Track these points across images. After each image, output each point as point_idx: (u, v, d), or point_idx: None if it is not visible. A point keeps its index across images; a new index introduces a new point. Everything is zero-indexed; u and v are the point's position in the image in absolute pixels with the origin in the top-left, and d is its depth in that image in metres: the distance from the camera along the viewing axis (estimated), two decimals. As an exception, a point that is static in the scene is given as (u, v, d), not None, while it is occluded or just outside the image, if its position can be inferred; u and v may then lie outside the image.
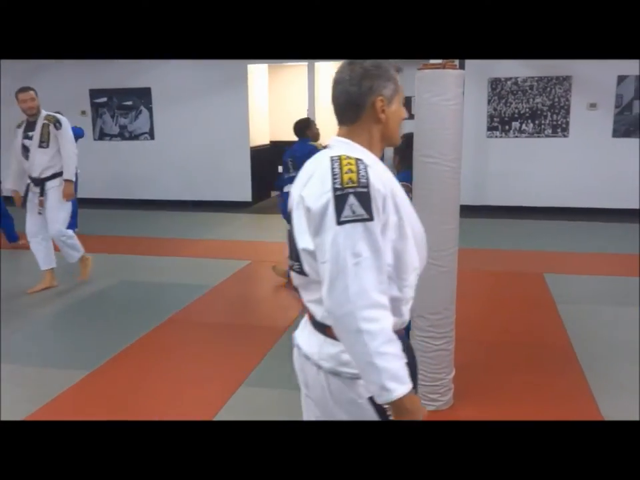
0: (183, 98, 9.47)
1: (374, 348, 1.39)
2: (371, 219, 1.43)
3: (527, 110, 8.63)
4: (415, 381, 1.56)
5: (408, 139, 3.39)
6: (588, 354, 3.84)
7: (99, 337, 4.31)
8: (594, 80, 8.36)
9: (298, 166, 4.02)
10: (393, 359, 1.41)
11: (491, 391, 3.43)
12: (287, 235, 1.65)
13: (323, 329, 1.58)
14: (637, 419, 3.02)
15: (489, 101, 8.70)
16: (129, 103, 9.80)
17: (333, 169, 1.47)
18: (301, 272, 1.59)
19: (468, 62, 8.24)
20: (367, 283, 1.41)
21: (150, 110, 9.71)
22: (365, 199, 1.43)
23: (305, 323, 1.71)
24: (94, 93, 9.90)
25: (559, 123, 8.58)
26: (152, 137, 9.80)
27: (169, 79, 9.44)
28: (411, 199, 3.16)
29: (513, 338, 4.19)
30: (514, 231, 7.52)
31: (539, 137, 8.66)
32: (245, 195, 9.57)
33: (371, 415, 1.56)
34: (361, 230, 1.42)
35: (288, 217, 1.63)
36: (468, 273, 5.77)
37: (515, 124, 8.69)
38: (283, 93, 10.73)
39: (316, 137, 5.21)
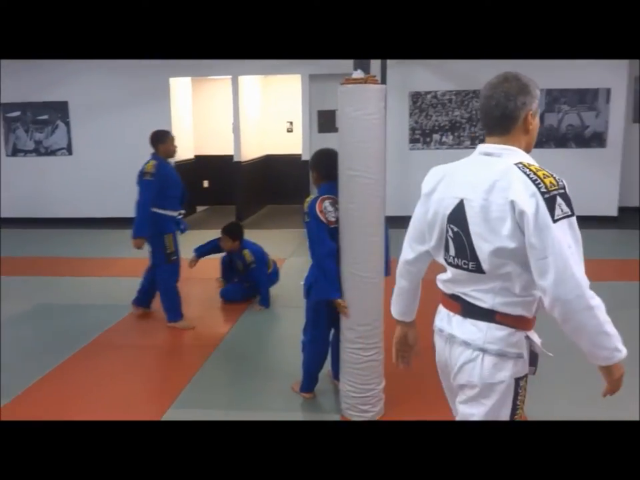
0: (103, 111, 9.20)
1: (603, 319, 1.65)
2: (573, 214, 1.65)
3: (447, 122, 8.90)
4: None
5: (322, 154, 3.43)
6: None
7: (14, 366, 4.08)
8: (508, 93, 8.72)
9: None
10: (613, 326, 1.68)
11: (421, 398, 3.48)
12: (452, 236, 1.83)
13: (491, 315, 1.77)
14: (561, 418, 3.12)
15: (411, 114, 8.92)
16: (45, 117, 9.42)
17: (528, 175, 1.67)
18: (477, 270, 1.76)
19: (390, 76, 8.42)
20: (581, 269, 1.65)
21: (67, 124, 9.37)
22: (566, 198, 1.65)
23: (449, 315, 1.89)
24: (6, 107, 9.47)
25: (477, 134, 8.90)
26: (70, 152, 9.45)
27: (88, 92, 9.15)
28: (336, 210, 3.22)
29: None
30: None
31: (458, 148, 8.94)
32: (170, 210, 9.37)
33: (510, 394, 1.79)
34: (567, 225, 1.64)
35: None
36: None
37: (436, 136, 8.95)
38: (207, 107, 10.63)
39: (169, 153, 4.68)
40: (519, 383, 1.80)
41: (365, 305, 3.18)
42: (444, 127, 8.91)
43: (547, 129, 8.82)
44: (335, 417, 3.34)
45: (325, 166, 3.33)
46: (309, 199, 3.31)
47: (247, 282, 5.33)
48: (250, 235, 5.48)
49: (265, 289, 5.24)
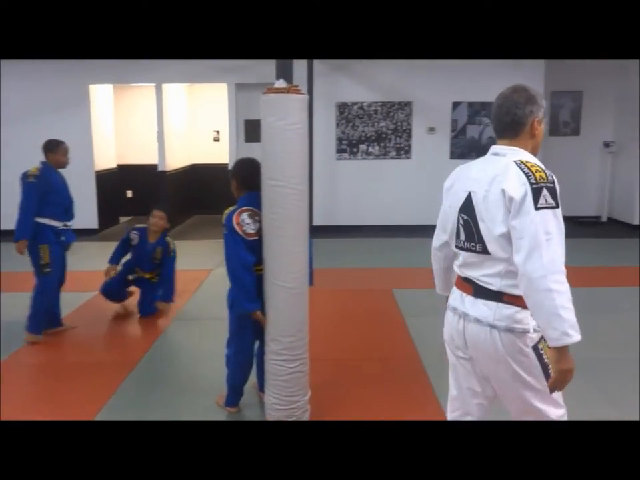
0: (19, 118, 8.80)
1: (560, 303, 1.84)
2: (557, 206, 1.91)
3: (373, 133, 9.02)
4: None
5: (243, 164, 3.39)
6: (433, 362, 4.03)
7: None
8: (432, 105, 8.95)
9: None
10: (572, 314, 1.86)
11: (346, 407, 3.48)
12: (462, 224, 2.12)
13: (500, 296, 2.03)
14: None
15: (338, 124, 8.99)
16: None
17: (522, 169, 1.95)
18: (483, 251, 2.04)
19: (316, 86, 8.47)
20: (555, 255, 1.87)
21: (-20, 131, 8.91)
22: (553, 192, 1.92)
23: (462, 296, 2.15)
24: None
25: (402, 145, 9.07)
26: (-17, 160, 8.99)
27: (3, 98, 8.74)
28: (258, 221, 3.17)
29: (366, 353, 4.30)
30: (364, 250, 7.79)
31: (384, 158, 9.08)
32: (91, 221, 9.05)
33: (533, 360, 2.01)
34: (551, 214, 1.90)
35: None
36: (322, 292, 5.88)
37: (362, 146, 9.05)
38: (130, 115, 10.36)
39: (59, 164, 4.58)
40: (537, 351, 2.03)
41: (289, 316, 3.15)
42: (370, 137, 9.03)
43: (469, 140, 9.10)
44: (260, 431, 3.28)
45: (245, 175, 3.29)
46: (227, 211, 3.25)
47: (156, 274, 5.16)
48: (177, 247, 5.34)
49: (172, 282, 5.12)
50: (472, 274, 2.12)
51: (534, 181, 1.92)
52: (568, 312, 1.85)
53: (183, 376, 4.03)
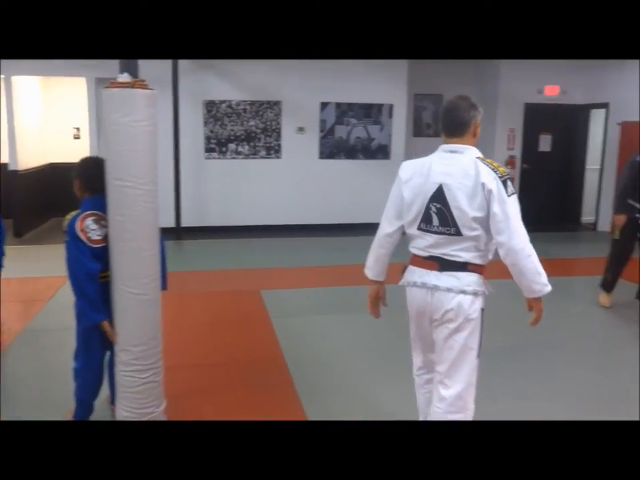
0: None
1: (538, 265, 2.43)
2: (515, 192, 2.44)
3: (242, 132, 8.91)
4: None
5: (88, 162, 3.15)
6: (297, 363, 4.01)
7: None
8: (301, 105, 8.99)
9: None
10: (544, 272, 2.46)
11: (206, 414, 3.35)
12: (435, 211, 2.46)
13: (465, 266, 2.47)
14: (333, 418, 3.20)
15: (205, 123, 8.78)
16: None
17: (488, 166, 2.43)
18: (456, 234, 2.44)
19: (182, 84, 8.24)
20: (524, 229, 2.42)
21: None
22: (512, 182, 2.45)
23: (427, 272, 2.52)
24: None
25: (272, 145, 9.03)
26: None
27: None
28: (105, 226, 2.97)
29: (230, 357, 4.19)
30: (234, 251, 7.68)
31: (254, 158, 9.00)
32: None
33: (479, 322, 2.51)
34: (514, 199, 2.42)
35: None
36: (189, 296, 5.71)
37: (232, 145, 8.92)
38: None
39: None
40: (482, 312, 2.53)
41: (139, 324, 2.98)
42: (240, 136, 8.91)
43: (337, 140, 9.24)
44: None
45: (90, 176, 3.05)
46: (69, 216, 3.00)
47: None
48: (32, 251, 4.93)
49: None
50: (439, 252, 2.50)
51: (500, 175, 2.41)
52: (543, 271, 2.44)
53: (24, 391, 3.71)
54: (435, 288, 2.49)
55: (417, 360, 2.80)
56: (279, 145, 9.05)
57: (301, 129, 9.07)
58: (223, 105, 8.78)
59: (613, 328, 4.91)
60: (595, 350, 4.53)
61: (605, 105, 9.34)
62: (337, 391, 3.67)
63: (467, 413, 2.56)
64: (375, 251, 2.74)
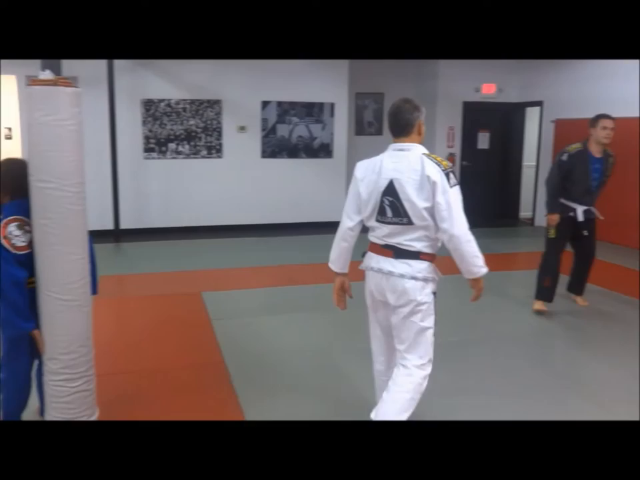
0: None
1: (476, 249, 2.68)
2: (458, 183, 2.67)
3: (183, 132, 8.76)
4: None
5: (9, 164, 2.99)
6: (238, 365, 3.96)
7: None
8: (242, 104, 8.90)
9: None
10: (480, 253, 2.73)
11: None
12: (388, 204, 2.70)
13: (417, 255, 2.72)
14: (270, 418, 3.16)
15: (144, 122, 8.59)
16: None
17: (433, 160, 2.66)
18: (408, 223, 2.68)
19: (119, 82, 8.02)
20: (464, 218, 2.66)
21: None
22: (454, 174, 2.68)
23: (384, 259, 2.76)
24: None
25: (213, 144, 8.91)
26: None
27: None
28: (29, 232, 2.83)
29: (169, 362, 4.09)
30: (175, 252, 7.52)
31: (195, 157, 8.86)
32: None
33: (432, 306, 2.78)
34: (457, 190, 2.65)
35: None
36: (128, 299, 5.56)
37: (172, 145, 8.75)
38: None
39: None
40: (434, 296, 2.79)
41: (67, 331, 2.86)
42: (180, 136, 8.75)
43: (279, 139, 9.19)
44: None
45: (12, 179, 2.90)
46: None
47: None
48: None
49: None
50: (394, 241, 2.74)
51: (443, 169, 2.65)
52: (480, 255, 2.71)
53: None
54: (390, 274, 2.74)
55: (376, 348, 3.02)
56: (220, 145, 8.93)
57: (242, 128, 8.98)
58: (162, 104, 8.60)
59: (548, 320, 5.03)
60: (532, 343, 4.63)
61: (539, 103, 9.61)
62: (277, 392, 3.63)
63: (422, 384, 2.81)
64: (337, 245, 2.93)
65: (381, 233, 2.77)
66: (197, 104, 8.73)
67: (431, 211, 2.65)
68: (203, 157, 8.89)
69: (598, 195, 5.05)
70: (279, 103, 9.11)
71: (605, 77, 8.16)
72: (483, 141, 10.03)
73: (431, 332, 2.80)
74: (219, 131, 8.88)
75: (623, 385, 3.75)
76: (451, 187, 2.62)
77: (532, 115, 10.04)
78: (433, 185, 2.61)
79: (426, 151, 2.73)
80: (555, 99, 9.19)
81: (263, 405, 3.44)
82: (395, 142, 2.78)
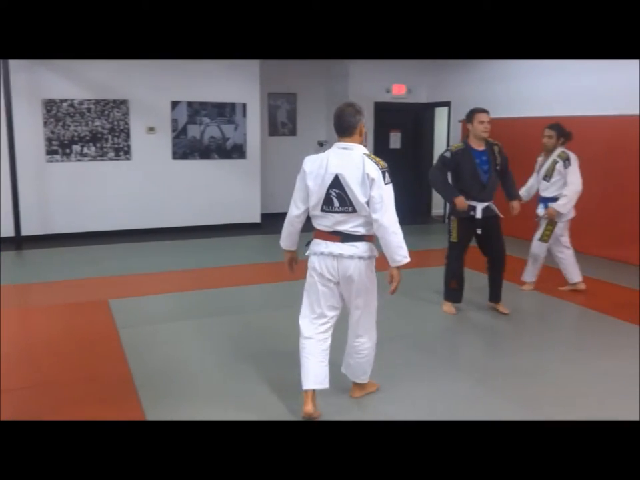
0: None
1: (401, 240, 3.11)
2: (391, 182, 3.09)
3: (88, 133, 8.40)
4: None
5: None
6: (145, 376, 3.81)
7: None
8: (150, 104, 8.65)
9: None
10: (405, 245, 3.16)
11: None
12: (335, 196, 3.08)
13: (362, 238, 3.15)
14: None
15: (45, 124, 8.18)
16: None
17: (372, 160, 3.07)
18: (353, 212, 3.09)
19: (16, 81, 7.60)
20: (394, 212, 3.10)
21: None
22: (389, 174, 3.09)
23: (332, 244, 3.15)
24: None
25: (121, 146, 8.60)
26: None
27: None
28: None
29: (72, 375, 3.88)
30: (82, 259, 7.20)
31: (102, 160, 8.53)
32: None
33: (375, 282, 3.27)
34: (390, 187, 3.09)
35: None
36: (31, 310, 5.26)
37: (76, 147, 8.38)
38: None
39: None
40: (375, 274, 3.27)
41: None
42: (85, 137, 8.40)
43: (190, 140, 8.99)
44: None
45: None
46: None
47: None
48: None
49: None
50: (342, 228, 3.14)
51: (380, 167, 3.07)
52: (404, 246, 3.12)
53: None
54: (340, 256, 3.15)
55: (312, 327, 3.29)
56: (129, 146, 8.64)
57: (151, 129, 8.73)
58: (65, 104, 8.23)
59: (461, 316, 5.15)
60: (440, 341, 4.72)
61: (447, 104, 9.88)
62: (185, 402, 3.51)
63: (373, 339, 3.40)
64: (287, 229, 3.38)
65: (328, 222, 3.17)
66: (102, 104, 8.40)
67: (367, 203, 3.07)
68: (111, 159, 8.57)
69: (495, 189, 4.96)
70: (189, 103, 8.92)
71: (507, 77, 8.50)
72: (395, 140, 10.22)
73: (375, 301, 3.33)
74: (126, 132, 8.58)
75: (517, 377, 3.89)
76: (386, 184, 3.05)
77: (441, 114, 10.32)
78: (372, 181, 3.03)
79: (366, 151, 3.14)
80: (461, 100, 9.48)
81: (167, 414, 3.31)
82: (340, 141, 3.17)
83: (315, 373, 3.22)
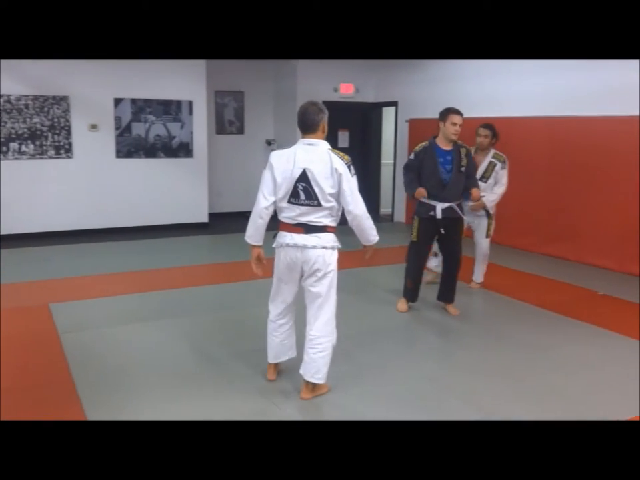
0: None
1: (372, 222, 3.47)
2: (355, 174, 3.33)
3: (26, 130, 8.08)
4: None
5: None
6: (88, 383, 3.67)
7: None
8: (92, 101, 8.39)
9: None
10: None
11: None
12: (301, 189, 3.30)
13: (325, 229, 3.35)
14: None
15: (-20, 120, 7.82)
16: None
17: (337, 155, 3.28)
18: (318, 205, 3.29)
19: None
20: (362, 200, 3.37)
21: None
22: (353, 166, 3.32)
23: (297, 235, 3.33)
24: None
25: (62, 144, 8.31)
26: None
27: None
28: None
29: (11, 384, 3.69)
30: (21, 261, 6.91)
31: (42, 158, 8.22)
32: None
33: (336, 272, 3.43)
34: (355, 179, 3.32)
35: None
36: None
37: (14, 145, 8.05)
38: None
39: None
40: (337, 260, 3.44)
41: None
42: (23, 135, 8.07)
43: (135, 138, 8.77)
44: None
45: None
46: None
47: None
48: None
49: None
50: (305, 219, 3.32)
51: (345, 162, 3.29)
52: (374, 226, 3.50)
53: None
54: (304, 246, 3.31)
55: (277, 309, 3.58)
56: (70, 144, 8.35)
57: (93, 127, 8.47)
58: (1, 100, 7.88)
59: (414, 314, 5.18)
60: (392, 337, 4.73)
61: (394, 103, 9.95)
62: (129, 408, 3.39)
63: (334, 334, 3.48)
64: (254, 222, 3.45)
65: (293, 214, 3.34)
66: (41, 100, 8.09)
67: (335, 196, 3.30)
68: (51, 157, 8.27)
69: (458, 190, 4.91)
70: (134, 100, 8.69)
71: (453, 78, 8.62)
72: (343, 139, 10.23)
73: (335, 292, 3.45)
74: (67, 130, 8.30)
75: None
76: (352, 176, 3.29)
77: (388, 114, 10.39)
78: (339, 175, 3.24)
79: (330, 147, 3.35)
80: (408, 99, 9.57)
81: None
82: (305, 137, 3.37)
83: (277, 349, 3.65)
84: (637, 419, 3.25)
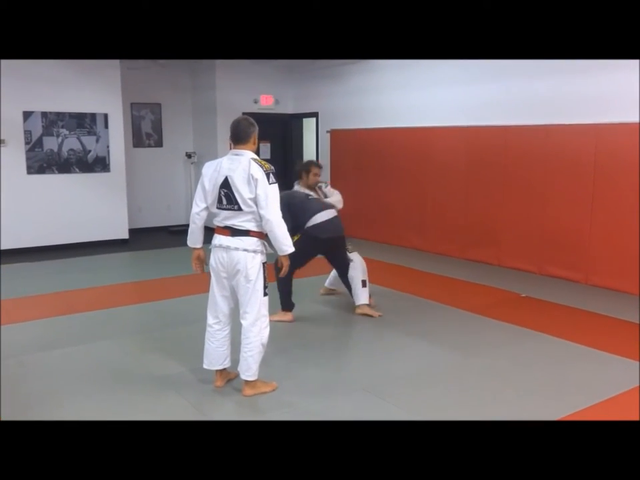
0: None
1: (286, 231, 3.56)
2: (276, 183, 3.49)
3: None
4: None
5: None
6: (8, 416, 3.43)
7: None
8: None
9: None
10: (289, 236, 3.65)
11: None
12: (224, 195, 3.50)
13: (248, 233, 3.53)
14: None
15: None
16: None
17: (257, 163, 3.46)
18: (238, 209, 3.49)
19: None
20: (278, 208, 3.51)
21: None
22: (274, 175, 3.50)
23: (223, 237, 3.56)
24: None
25: (-33, 160, 7.82)
26: None
27: None
28: None
29: None
30: None
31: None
32: None
33: (261, 273, 3.57)
34: (275, 187, 3.49)
35: None
36: None
37: None
38: None
39: None
40: (263, 266, 3.57)
41: None
42: None
43: (47, 154, 8.39)
44: None
45: None
46: None
47: None
48: None
49: None
50: (230, 222, 3.52)
51: (265, 170, 3.45)
52: (289, 237, 3.59)
53: None
54: (228, 248, 3.53)
55: (212, 315, 3.73)
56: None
57: (1, 141, 8.02)
58: None
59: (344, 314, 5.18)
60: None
61: (315, 114, 10.02)
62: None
63: (262, 334, 3.62)
64: (190, 227, 3.74)
65: (220, 217, 3.58)
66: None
67: (255, 201, 3.45)
68: (-45, 174, 7.76)
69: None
70: (44, 114, 8.31)
71: (371, 89, 8.76)
72: (264, 151, 10.19)
73: (261, 294, 3.57)
74: (-28, 145, 7.82)
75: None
76: (270, 184, 3.43)
77: (309, 125, 10.44)
78: (256, 181, 3.41)
79: (255, 156, 3.53)
80: (329, 110, 9.66)
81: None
82: (234, 149, 3.57)
83: (212, 355, 3.76)
84: (567, 420, 3.38)
